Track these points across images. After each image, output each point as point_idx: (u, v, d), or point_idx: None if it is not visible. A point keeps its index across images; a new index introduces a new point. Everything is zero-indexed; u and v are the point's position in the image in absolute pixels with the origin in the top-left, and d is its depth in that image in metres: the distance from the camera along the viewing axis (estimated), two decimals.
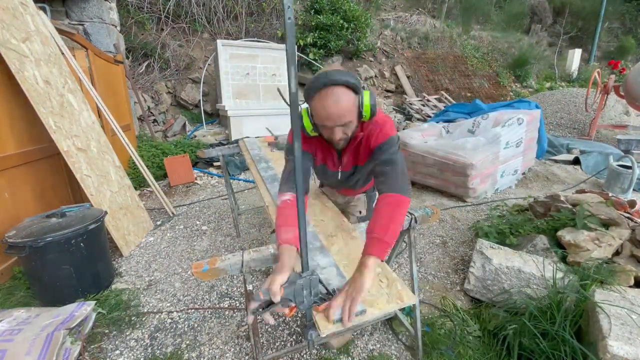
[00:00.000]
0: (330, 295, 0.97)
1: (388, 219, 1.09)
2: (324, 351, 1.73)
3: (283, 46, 6.33)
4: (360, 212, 1.77)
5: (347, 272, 1.11)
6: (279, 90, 1.45)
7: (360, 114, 1.14)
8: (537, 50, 12.05)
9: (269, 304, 0.92)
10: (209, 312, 2.03)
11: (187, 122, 6.34)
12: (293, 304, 0.92)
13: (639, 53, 12.98)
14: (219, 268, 1.21)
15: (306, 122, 1.19)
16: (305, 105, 1.20)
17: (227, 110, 5.64)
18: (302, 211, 0.87)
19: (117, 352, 1.74)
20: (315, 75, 1.10)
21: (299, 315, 2.00)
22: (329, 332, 0.90)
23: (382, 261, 1.05)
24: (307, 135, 1.25)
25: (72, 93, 2.68)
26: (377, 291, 1.03)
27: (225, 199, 3.89)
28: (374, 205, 1.60)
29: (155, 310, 2.05)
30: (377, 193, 1.28)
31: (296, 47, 6.32)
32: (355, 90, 1.10)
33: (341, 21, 7.12)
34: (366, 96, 1.12)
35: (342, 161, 1.39)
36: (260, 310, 0.93)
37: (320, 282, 0.95)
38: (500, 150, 3.66)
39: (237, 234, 2.98)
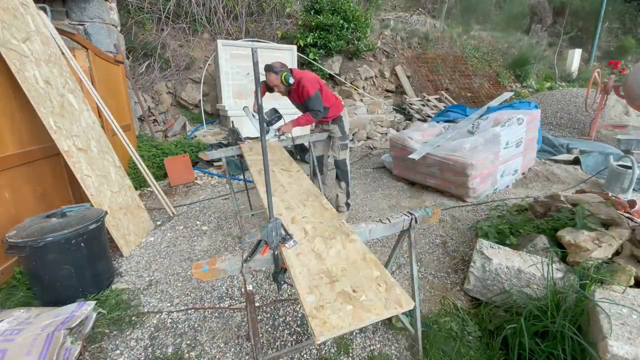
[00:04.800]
0: (289, 235, 1.28)
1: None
2: (324, 351, 1.73)
3: (283, 46, 6.34)
4: (339, 135, 3.11)
5: (345, 276, 1.11)
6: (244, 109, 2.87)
7: (282, 82, 2.72)
8: (537, 50, 12.03)
9: (254, 250, 1.24)
10: (209, 312, 2.04)
11: (187, 122, 6.34)
12: (266, 245, 1.24)
13: (639, 53, 12.97)
14: (218, 268, 1.22)
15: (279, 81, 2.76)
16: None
17: (227, 110, 5.64)
18: (269, 183, 1.26)
19: (118, 352, 1.75)
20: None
21: (299, 315, 2.00)
22: (325, 339, 0.90)
23: (292, 126, 2.83)
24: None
25: (72, 93, 2.68)
26: (375, 296, 1.02)
27: (226, 199, 3.90)
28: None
29: (155, 310, 2.06)
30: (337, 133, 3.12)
31: (295, 47, 6.33)
32: (275, 72, 2.67)
33: (341, 21, 7.12)
34: (283, 76, 2.67)
35: (293, 97, 2.92)
36: (249, 258, 1.23)
37: (282, 225, 1.27)
38: (500, 150, 3.66)
39: (242, 234, 2.99)
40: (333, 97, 3.04)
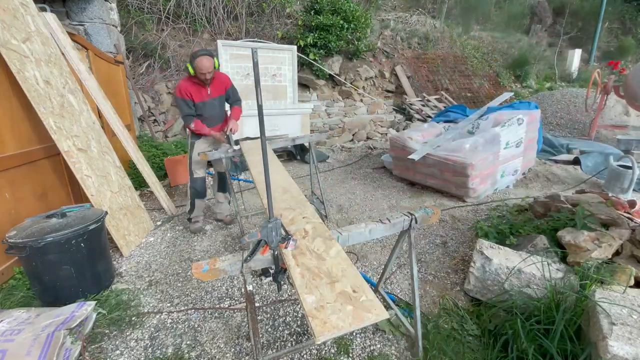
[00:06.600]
0: (289, 236, 1.28)
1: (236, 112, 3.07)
2: (324, 351, 1.73)
3: (283, 46, 6.35)
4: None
5: (345, 276, 1.11)
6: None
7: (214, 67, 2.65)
8: (537, 51, 12.04)
9: (254, 249, 1.23)
10: (209, 312, 2.04)
11: None
12: (266, 244, 1.24)
13: (639, 53, 12.96)
14: (219, 268, 1.22)
15: (191, 70, 2.61)
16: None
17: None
18: (268, 180, 1.25)
19: (118, 352, 1.75)
20: (196, 50, 2.69)
21: (299, 315, 2.00)
22: (325, 339, 0.90)
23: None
24: (191, 75, 2.69)
25: (72, 93, 2.68)
26: (376, 296, 1.01)
27: None
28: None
29: (155, 311, 2.06)
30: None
31: (295, 47, 6.34)
32: (213, 56, 2.63)
33: (341, 21, 7.12)
34: (216, 60, 2.68)
35: (210, 91, 2.82)
36: (249, 258, 1.23)
37: (282, 226, 1.29)
38: (500, 151, 3.66)
39: (242, 234, 2.99)
40: None
